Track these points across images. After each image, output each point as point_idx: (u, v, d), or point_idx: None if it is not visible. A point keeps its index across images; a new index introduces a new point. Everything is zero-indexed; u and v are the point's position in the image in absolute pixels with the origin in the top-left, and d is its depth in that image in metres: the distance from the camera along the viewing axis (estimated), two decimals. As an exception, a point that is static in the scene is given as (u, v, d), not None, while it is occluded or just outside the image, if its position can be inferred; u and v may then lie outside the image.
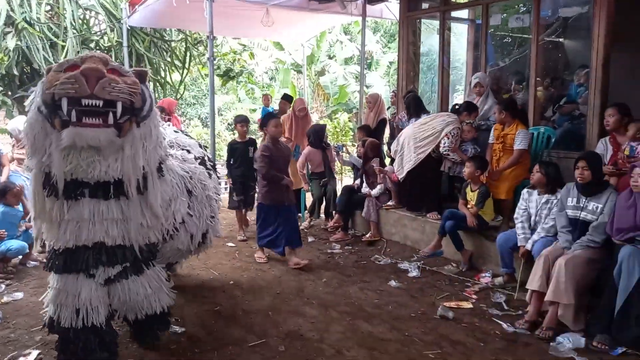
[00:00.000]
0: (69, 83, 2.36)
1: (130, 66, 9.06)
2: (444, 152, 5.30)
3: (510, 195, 4.85)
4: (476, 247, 4.90)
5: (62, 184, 2.57)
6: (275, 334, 3.58)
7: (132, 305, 3.01)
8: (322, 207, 6.68)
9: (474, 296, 4.26)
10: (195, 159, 3.72)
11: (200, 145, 4.09)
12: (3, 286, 4.46)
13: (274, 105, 10.31)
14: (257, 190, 5.73)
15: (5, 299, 4.20)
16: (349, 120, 12.56)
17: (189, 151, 3.75)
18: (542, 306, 3.67)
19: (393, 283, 4.57)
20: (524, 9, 6.68)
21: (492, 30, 7.43)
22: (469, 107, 5.48)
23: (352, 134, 11.89)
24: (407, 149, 5.55)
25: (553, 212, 3.99)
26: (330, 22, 10.39)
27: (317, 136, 6.30)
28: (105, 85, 2.40)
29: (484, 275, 4.62)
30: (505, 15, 6.91)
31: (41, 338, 3.49)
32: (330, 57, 16.61)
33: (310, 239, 6.02)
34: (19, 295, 4.28)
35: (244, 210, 6.20)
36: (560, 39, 6.42)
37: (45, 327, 3.06)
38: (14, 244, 4.75)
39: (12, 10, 8.11)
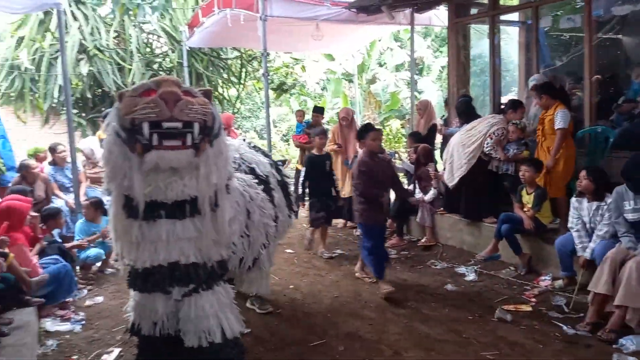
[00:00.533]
0: (149, 107, 2.41)
1: (191, 84, 9.59)
2: (487, 152, 5.33)
3: (563, 193, 4.79)
4: (535, 250, 4.86)
5: (143, 205, 2.60)
6: (335, 335, 3.73)
7: (197, 324, 2.87)
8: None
9: (533, 299, 4.24)
10: (259, 178, 3.75)
11: (266, 156, 4.13)
12: (85, 291, 4.87)
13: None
14: (335, 206, 5.76)
15: (87, 302, 4.59)
16: (401, 127, 12.60)
17: (253, 170, 3.79)
18: (605, 309, 3.62)
19: (449, 287, 4.62)
20: (577, 8, 6.55)
21: (547, 29, 7.34)
22: (513, 104, 5.47)
23: (404, 140, 11.91)
24: (456, 156, 5.57)
25: (605, 217, 3.94)
26: (380, 32, 10.53)
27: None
28: (183, 107, 2.46)
29: (543, 278, 4.58)
30: (557, 15, 6.80)
31: (121, 337, 3.82)
32: (380, 65, 16.71)
33: (366, 245, 6.14)
34: (100, 299, 4.67)
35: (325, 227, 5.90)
36: (618, 36, 6.26)
37: (127, 330, 3.18)
38: (92, 251, 5.19)
39: (84, 39, 8.81)
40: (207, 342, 2.86)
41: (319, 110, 8.09)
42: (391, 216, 6.35)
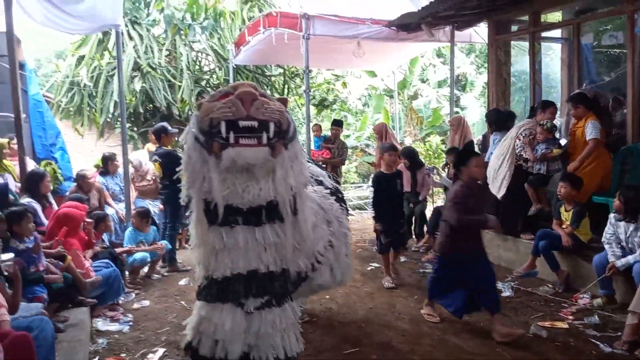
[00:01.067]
0: (226, 107, 2.48)
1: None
2: (518, 153, 5.38)
3: (583, 200, 4.87)
4: (573, 267, 4.81)
5: (222, 208, 2.60)
6: (369, 344, 3.83)
7: (265, 339, 2.81)
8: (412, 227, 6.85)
9: (570, 317, 4.20)
10: (328, 190, 3.71)
11: (328, 176, 4.09)
12: (133, 295, 5.17)
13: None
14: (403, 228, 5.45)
15: (135, 305, 4.88)
16: (442, 143, 12.58)
17: (321, 182, 3.76)
18: (643, 328, 3.57)
19: (485, 302, 4.62)
20: (619, 24, 6.47)
21: (594, 46, 7.26)
22: (543, 105, 5.51)
23: (445, 156, 11.88)
24: (501, 168, 5.55)
25: None
26: (421, 49, 10.63)
27: (407, 158, 6.56)
28: (259, 106, 2.50)
29: (581, 296, 4.52)
30: (600, 31, 6.74)
31: (166, 339, 4.06)
32: (423, 81, 16.74)
33: (402, 259, 6.21)
34: (146, 302, 4.95)
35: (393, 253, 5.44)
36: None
37: (183, 349, 3.11)
38: (138, 255, 5.51)
39: (139, 57, 9.38)
40: (272, 358, 2.80)
41: (338, 124, 7.93)
42: (428, 231, 6.40)
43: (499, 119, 6.11)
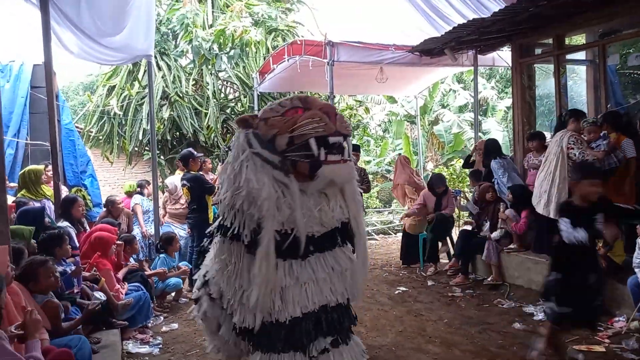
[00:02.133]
0: (315, 122, 2.23)
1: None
2: (584, 158, 5.00)
3: None
4: (608, 290, 4.69)
5: (304, 237, 2.33)
6: (400, 367, 3.78)
7: None
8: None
9: (607, 340, 4.09)
10: None
11: None
12: (162, 318, 5.22)
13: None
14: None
15: (164, 328, 4.92)
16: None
17: None
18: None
19: (517, 325, 4.54)
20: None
21: (619, 68, 7.23)
22: (575, 113, 5.38)
23: (468, 181, 11.83)
24: (552, 187, 5.23)
25: None
26: (443, 74, 10.73)
27: (431, 182, 6.59)
28: (342, 120, 2.35)
29: (617, 319, 4.41)
30: (626, 53, 6.73)
31: (195, 361, 4.08)
32: (443, 106, 16.81)
33: (430, 283, 6.15)
34: (175, 325, 4.99)
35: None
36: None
37: None
38: (172, 280, 5.59)
39: (167, 86, 9.68)
40: None
41: (356, 149, 7.38)
42: (455, 254, 6.34)
43: (496, 147, 6.49)
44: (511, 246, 5.89)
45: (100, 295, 3.85)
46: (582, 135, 5.24)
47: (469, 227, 6.85)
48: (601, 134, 5.19)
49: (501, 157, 6.33)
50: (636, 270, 4.13)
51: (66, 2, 5.48)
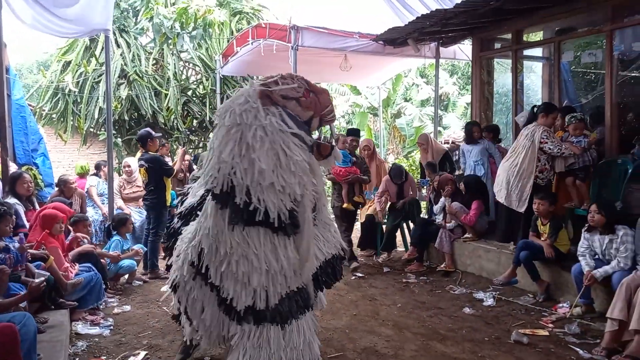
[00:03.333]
0: (333, 110, 2.56)
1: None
2: (559, 154, 5.07)
3: None
4: (553, 277, 4.90)
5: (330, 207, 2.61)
6: (353, 349, 3.83)
7: (305, 350, 2.66)
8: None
9: (551, 325, 4.26)
10: None
11: None
12: (114, 301, 5.10)
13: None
14: None
15: (116, 310, 4.82)
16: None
17: None
18: (622, 336, 3.64)
19: (467, 310, 4.68)
20: (599, 44, 6.71)
21: (573, 67, 7.49)
22: (546, 108, 5.25)
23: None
24: (514, 180, 5.24)
25: (622, 250, 4.08)
26: (406, 65, 10.85)
27: (391, 174, 6.65)
28: (333, 110, 2.58)
29: (561, 305, 4.61)
30: (579, 51, 6.98)
31: (147, 342, 4.01)
32: (406, 100, 17.02)
33: (385, 269, 6.24)
34: (127, 307, 4.89)
35: None
36: (640, 74, 6.37)
37: None
38: (125, 262, 5.45)
39: (126, 64, 9.37)
40: None
41: (354, 133, 6.65)
42: (412, 243, 6.46)
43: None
44: (467, 235, 6.03)
45: (45, 273, 3.70)
46: (566, 131, 5.32)
47: (424, 216, 6.98)
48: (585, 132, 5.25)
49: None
50: (580, 258, 4.33)
51: (18, -32, 5.22)
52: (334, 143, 2.55)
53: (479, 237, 5.97)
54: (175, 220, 3.18)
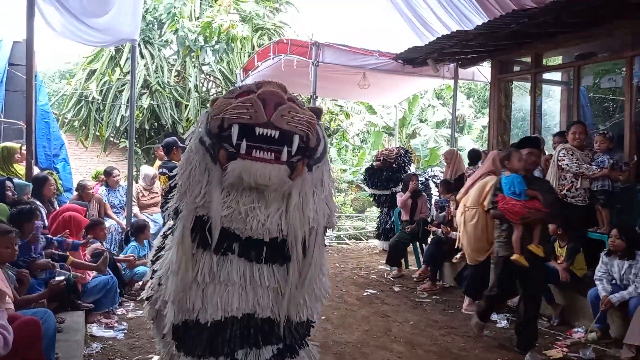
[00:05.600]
0: (244, 107, 1.98)
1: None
2: (578, 171, 4.86)
3: None
4: (568, 301, 4.85)
5: (218, 230, 2.09)
6: (364, 363, 3.83)
7: None
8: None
9: (565, 349, 4.21)
10: None
11: None
12: (129, 304, 5.16)
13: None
14: None
15: (130, 315, 4.88)
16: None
17: None
18: (638, 361, 3.60)
19: (480, 330, 4.64)
20: (616, 71, 6.73)
21: (592, 93, 7.49)
22: (559, 133, 5.58)
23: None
24: None
25: None
26: (424, 85, 10.93)
27: (405, 184, 6.76)
28: (284, 112, 1.98)
29: (576, 330, 4.55)
30: (599, 76, 6.99)
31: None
32: (421, 121, 17.09)
33: (397, 288, 6.22)
34: (141, 312, 4.90)
35: None
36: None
37: None
38: (141, 269, 5.51)
39: (149, 75, 9.59)
40: None
41: (532, 143, 4.31)
42: (424, 261, 6.44)
43: (475, 155, 6.82)
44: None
45: (65, 272, 3.78)
46: (595, 147, 5.10)
47: (439, 234, 6.96)
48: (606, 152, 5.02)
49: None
50: (597, 282, 4.28)
51: (53, -22, 5.41)
52: (242, 150, 2.00)
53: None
54: (160, 237, 2.88)
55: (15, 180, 4.80)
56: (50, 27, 5.94)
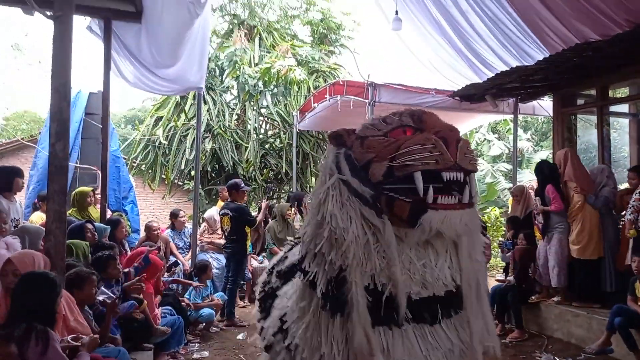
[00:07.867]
0: (426, 150, 1.68)
1: (297, 164, 10.39)
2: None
3: None
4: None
5: (405, 299, 1.74)
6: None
7: None
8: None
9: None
10: None
11: None
12: (193, 345, 5.25)
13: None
14: None
15: (195, 355, 4.97)
16: (501, 215, 12.37)
17: None
18: None
19: (556, 378, 4.38)
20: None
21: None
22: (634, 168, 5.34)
23: (504, 229, 11.63)
24: None
25: None
26: (481, 121, 10.76)
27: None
28: (466, 150, 1.73)
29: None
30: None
31: (226, 388, 4.07)
32: (477, 156, 16.71)
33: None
34: (206, 353, 5.02)
35: None
36: None
37: None
38: (205, 311, 5.64)
39: (211, 119, 10.08)
40: None
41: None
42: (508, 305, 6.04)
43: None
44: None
45: (107, 292, 3.90)
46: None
47: (501, 279, 6.70)
48: None
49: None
50: None
51: (128, 34, 5.85)
52: (429, 200, 1.68)
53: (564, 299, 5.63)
54: (274, 279, 2.53)
55: (96, 223, 5.08)
56: (124, 78, 6.41)
